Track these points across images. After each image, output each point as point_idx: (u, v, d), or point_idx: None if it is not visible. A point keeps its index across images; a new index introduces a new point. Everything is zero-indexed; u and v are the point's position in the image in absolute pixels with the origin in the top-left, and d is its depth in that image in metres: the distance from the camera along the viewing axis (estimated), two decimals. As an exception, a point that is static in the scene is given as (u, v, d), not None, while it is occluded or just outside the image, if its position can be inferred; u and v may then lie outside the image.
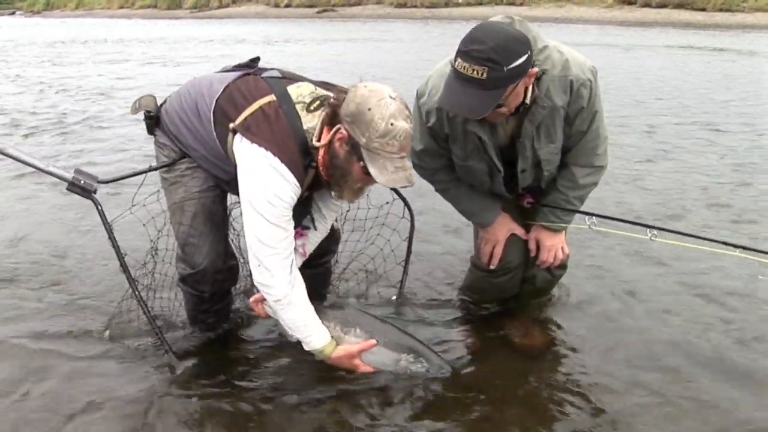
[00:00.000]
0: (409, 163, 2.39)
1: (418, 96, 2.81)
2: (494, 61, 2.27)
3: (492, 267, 3.16)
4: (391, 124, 2.25)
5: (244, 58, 2.82)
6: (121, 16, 54.16)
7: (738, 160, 6.89)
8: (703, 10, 35.37)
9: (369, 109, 2.25)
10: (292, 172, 2.39)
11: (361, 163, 2.33)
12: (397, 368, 2.74)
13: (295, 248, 2.74)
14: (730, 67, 15.50)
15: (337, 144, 2.38)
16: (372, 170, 2.31)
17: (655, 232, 2.85)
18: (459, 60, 2.33)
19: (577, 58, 2.61)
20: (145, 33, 28.14)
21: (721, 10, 34.85)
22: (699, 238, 2.84)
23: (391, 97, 2.29)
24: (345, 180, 2.45)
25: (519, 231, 3.12)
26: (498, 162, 2.79)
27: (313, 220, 2.84)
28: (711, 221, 4.96)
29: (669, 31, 28.70)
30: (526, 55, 2.34)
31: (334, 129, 2.37)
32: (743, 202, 5.47)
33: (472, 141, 2.74)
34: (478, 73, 2.29)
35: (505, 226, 3.10)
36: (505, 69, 2.29)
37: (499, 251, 3.12)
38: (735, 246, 2.74)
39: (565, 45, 2.65)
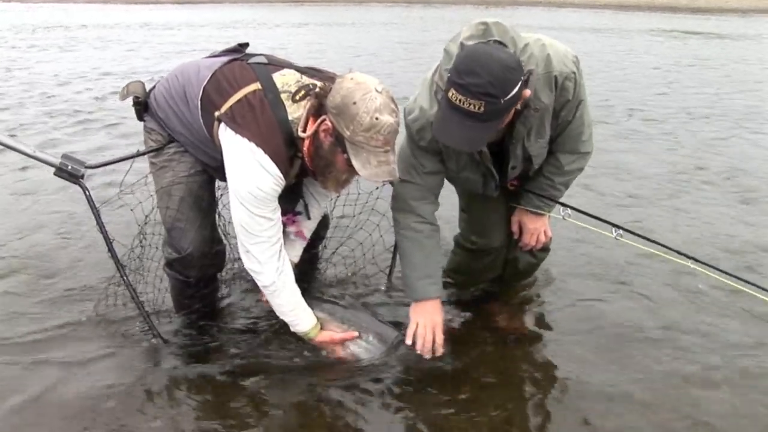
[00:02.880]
0: (393, 157, 2.37)
1: (407, 113, 2.70)
2: (492, 95, 2.19)
3: (438, 354, 2.80)
4: (376, 119, 2.25)
5: (232, 43, 2.80)
6: (101, 0, 53.49)
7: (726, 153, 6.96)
8: (686, -7, 35.54)
9: (354, 103, 2.25)
10: (276, 164, 2.39)
11: (345, 155, 2.33)
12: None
13: (288, 234, 2.77)
14: (714, 51, 15.57)
15: (322, 135, 2.38)
16: (355, 163, 2.31)
17: (621, 232, 2.88)
18: (453, 92, 2.24)
19: (558, 51, 2.55)
20: (127, 18, 27.78)
21: (703, -7, 35.04)
22: (657, 243, 2.87)
23: (377, 91, 2.28)
24: (329, 171, 2.46)
25: (440, 320, 2.83)
26: (495, 171, 2.78)
27: (306, 207, 2.85)
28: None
29: (652, 15, 28.76)
30: (521, 81, 2.27)
31: (319, 120, 2.36)
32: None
33: (466, 153, 2.70)
34: (475, 107, 2.20)
35: (440, 311, 2.84)
36: (501, 101, 2.21)
37: (440, 336, 2.79)
38: (687, 257, 2.78)
39: (546, 36, 2.61)
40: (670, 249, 2.84)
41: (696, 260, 2.79)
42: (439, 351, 2.79)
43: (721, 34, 20.33)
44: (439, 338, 2.78)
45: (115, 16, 27.49)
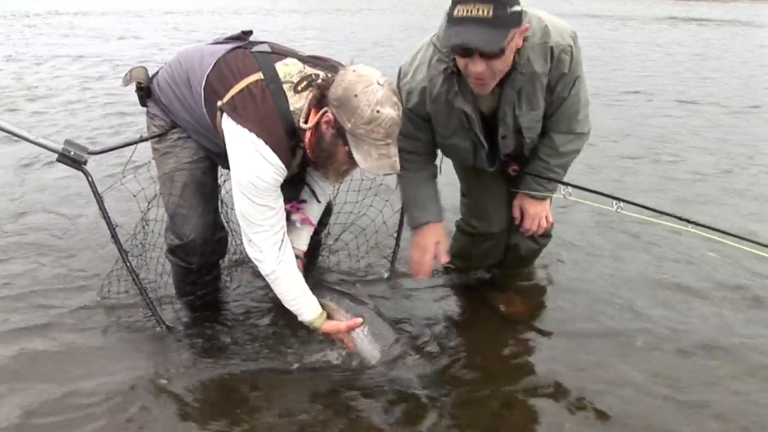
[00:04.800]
0: (394, 150, 2.37)
1: (401, 76, 2.77)
2: (498, 0, 2.25)
3: (420, 278, 3.09)
4: (377, 111, 2.24)
5: (236, 30, 2.78)
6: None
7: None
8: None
9: (355, 95, 2.24)
10: (277, 154, 2.39)
11: (347, 147, 2.33)
12: (370, 361, 2.75)
13: (294, 222, 2.77)
14: (717, 39, 15.49)
15: (323, 126, 2.38)
16: (356, 156, 2.31)
17: (621, 204, 2.88)
18: (459, 6, 2.29)
19: (557, 24, 2.59)
20: (135, 4, 27.62)
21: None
22: (656, 211, 2.87)
23: (378, 83, 2.27)
24: (330, 162, 2.46)
25: (443, 247, 3.04)
26: (483, 138, 2.78)
27: (314, 193, 2.85)
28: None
29: (654, 2, 28.63)
30: (521, 7, 2.33)
31: (321, 111, 2.36)
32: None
33: (456, 118, 2.73)
34: (484, 12, 2.24)
35: (435, 235, 3.01)
36: (508, 10, 2.26)
37: (429, 261, 3.02)
38: (688, 221, 2.78)
39: (546, 12, 2.63)
40: (668, 215, 2.84)
41: (696, 224, 2.78)
42: (424, 272, 3.03)
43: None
44: (427, 260, 3.00)
45: (106, 4, 27.19)
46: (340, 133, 2.32)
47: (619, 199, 2.87)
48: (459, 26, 2.31)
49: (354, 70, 2.31)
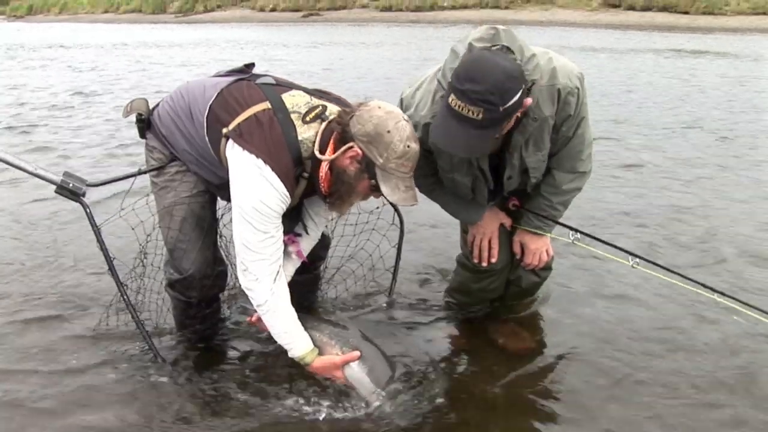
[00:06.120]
0: (414, 182, 2.46)
1: (404, 107, 2.76)
2: (490, 102, 2.22)
3: (493, 261, 3.13)
4: (408, 146, 2.33)
5: (238, 63, 2.79)
6: (106, 20, 54.00)
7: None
8: (687, 13, 35.78)
9: (388, 132, 2.30)
10: (283, 182, 2.38)
11: (373, 181, 2.37)
12: (368, 395, 2.63)
13: (289, 253, 2.75)
14: (716, 71, 15.62)
15: (347, 161, 2.39)
16: (385, 189, 2.37)
17: (638, 260, 2.87)
18: (453, 97, 2.28)
19: (564, 66, 2.59)
20: (131, 37, 27.91)
21: (704, 13, 35.26)
22: (679, 275, 2.86)
23: (405, 120, 2.36)
24: (349, 195, 2.48)
25: (507, 222, 3.12)
26: (489, 175, 2.79)
27: (305, 227, 2.85)
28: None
29: (653, 35, 28.94)
30: (521, 91, 2.29)
31: (345, 146, 2.37)
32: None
33: (459, 155, 2.71)
34: (473, 114, 2.24)
35: (495, 219, 3.09)
36: (500, 109, 2.24)
37: (495, 245, 3.10)
38: (713, 290, 2.78)
39: (552, 50, 2.64)
40: (692, 281, 2.82)
41: (713, 290, 2.78)
42: (493, 255, 3.11)
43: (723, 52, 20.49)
44: (494, 245, 3.10)
45: (100, 36, 27.53)
46: (368, 167, 2.36)
47: (635, 256, 2.88)
48: (448, 118, 2.33)
49: (380, 107, 2.37)
